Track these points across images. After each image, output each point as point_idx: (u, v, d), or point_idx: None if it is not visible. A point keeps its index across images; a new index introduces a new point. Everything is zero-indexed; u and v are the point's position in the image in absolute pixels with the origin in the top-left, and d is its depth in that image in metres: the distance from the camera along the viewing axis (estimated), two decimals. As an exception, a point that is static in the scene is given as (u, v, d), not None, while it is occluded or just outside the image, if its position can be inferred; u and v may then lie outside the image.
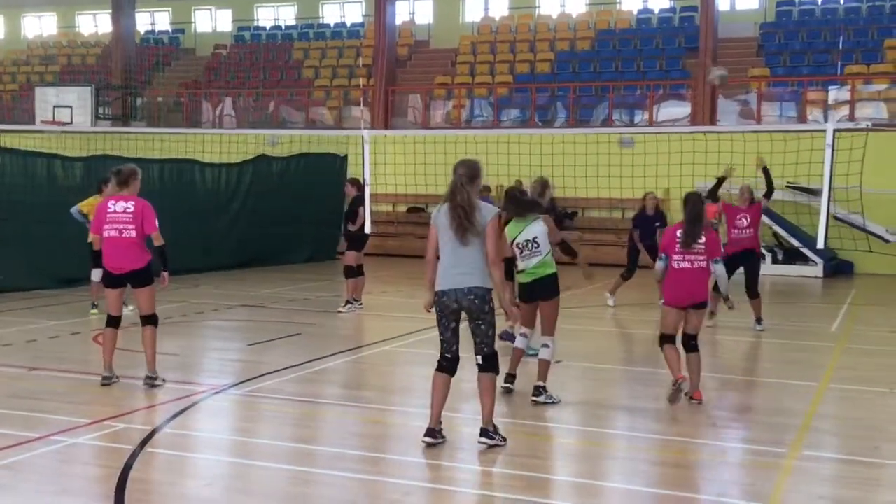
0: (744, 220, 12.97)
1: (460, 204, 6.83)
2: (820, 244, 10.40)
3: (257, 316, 14.01)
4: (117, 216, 8.88)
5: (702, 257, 8.61)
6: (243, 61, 32.40)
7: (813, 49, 25.51)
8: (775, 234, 22.25)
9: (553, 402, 8.49)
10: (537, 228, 8.60)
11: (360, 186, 14.68)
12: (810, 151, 18.91)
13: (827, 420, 8.14)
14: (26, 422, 7.67)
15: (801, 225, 21.61)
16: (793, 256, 22.04)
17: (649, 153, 20.87)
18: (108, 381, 8.93)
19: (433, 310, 7.04)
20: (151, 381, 8.95)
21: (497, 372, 7.03)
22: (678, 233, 8.66)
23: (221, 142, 23.48)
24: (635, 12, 29.38)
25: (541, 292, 8.65)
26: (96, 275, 12.73)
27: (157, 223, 9.00)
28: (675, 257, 8.66)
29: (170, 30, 36.81)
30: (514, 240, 8.59)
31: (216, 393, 8.84)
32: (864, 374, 10.21)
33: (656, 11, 29.19)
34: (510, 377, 8.86)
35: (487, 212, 6.89)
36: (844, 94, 23.64)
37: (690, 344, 8.72)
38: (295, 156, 23.07)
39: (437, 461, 6.82)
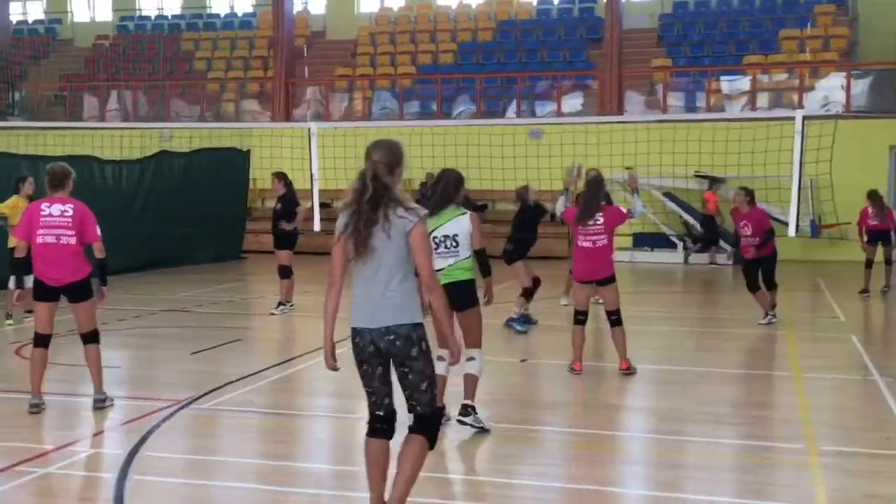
0: (746, 228, 12.49)
1: (371, 202, 4.94)
2: (791, 232, 10.39)
3: (186, 321, 13.22)
4: (54, 220, 7.85)
5: (602, 236, 9.28)
6: (128, 53, 30.96)
7: (711, 40, 25.92)
8: (685, 223, 22.53)
9: (482, 429, 7.26)
10: (461, 226, 7.32)
11: (286, 182, 14.03)
12: (725, 143, 19.30)
13: (823, 412, 8.02)
14: (-21, 451, 6.87)
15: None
16: (702, 244, 22.34)
17: (564, 144, 20.77)
18: (36, 409, 7.89)
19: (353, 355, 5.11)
20: (101, 404, 8.08)
21: (433, 441, 5.15)
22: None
23: (111, 137, 22.28)
24: (535, 3, 29.32)
25: (455, 300, 7.09)
26: (13, 282, 11.75)
27: (99, 231, 8.09)
28: (579, 237, 9.38)
29: (45, 19, 34.91)
30: (431, 232, 7.15)
31: (180, 408, 8.15)
32: (829, 363, 10.22)
33: (556, 2, 29.18)
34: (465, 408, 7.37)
35: (412, 214, 4.97)
36: (741, 84, 24.14)
37: (612, 319, 9.46)
38: (197, 151, 22.08)
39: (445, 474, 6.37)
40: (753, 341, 11.84)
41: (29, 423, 7.75)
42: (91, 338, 8.13)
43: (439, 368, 6.85)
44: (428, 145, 21.54)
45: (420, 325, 5.04)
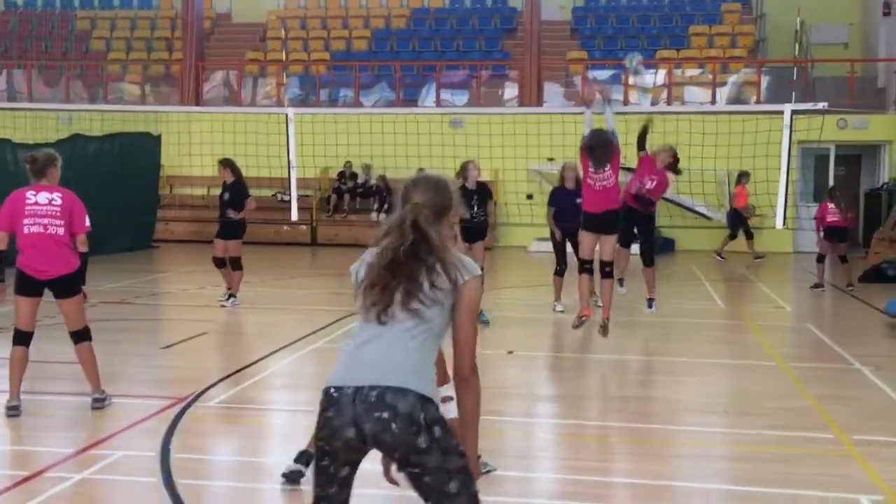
0: (651, 181, 11.63)
1: (412, 259, 3.58)
2: (779, 224, 10.61)
3: (135, 314, 12.65)
4: (41, 209, 7.34)
5: (610, 179, 10.00)
6: (18, 30, 29.44)
7: (624, 34, 26.34)
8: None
9: (489, 471, 5.97)
10: None
11: (234, 169, 13.56)
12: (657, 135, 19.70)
13: (831, 402, 8.17)
14: (-6, 457, 6.39)
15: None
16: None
17: (481, 135, 20.71)
18: (14, 412, 7.37)
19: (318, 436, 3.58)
20: (100, 403, 7.63)
21: None
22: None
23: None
24: (447, -9, 29.18)
25: None
26: None
27: (88, 223, 7.57)
28: (588, 180, 10.12)
29: (-78, -7, 32.86)
30: None
31: (186, 406, 7.75)
32: (805, 352, 10.54)
33: (468, -9, 29.13)
34: None
35: (464, 271, 3.63)
36: (650, 78, 24.65)
37: (605, 270, 10.20)
38: (110, 136, 21.18)
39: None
40: (716, 331, 12.06)
41: (30, 425, 7.27)
42: (82, 335, 7.67)
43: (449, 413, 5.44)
44: (343, 133, 21.29)
45: (431, 403, 3.46)
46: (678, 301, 14.01)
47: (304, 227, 23.82)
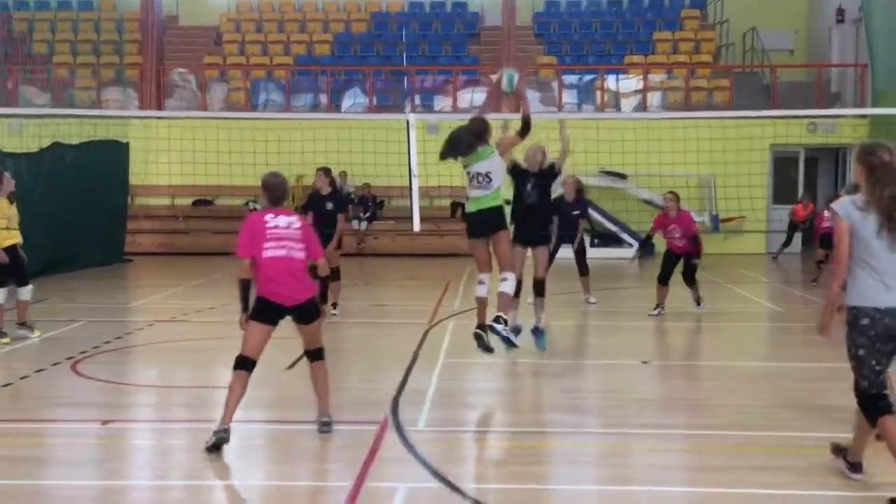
0: (675, 230, 13.01)
1: None
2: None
3: (205, 333, 12.00)
4: (282, 232, 7.01)
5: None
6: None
7: (591, 39, 26.49)
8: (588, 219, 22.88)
9: (509, 340, 8.85)
10: (493, 163, 8.54)
11: (333, 178, 13.19)
12: (622, 142, 19.97)
13: None
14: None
15: (616, 211, 22.66)
16: (606, 239, 22.87)
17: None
18: (225, 436, 6.79)
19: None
20: (328, 427, 7.21)
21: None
22: None
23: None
24: (405, -5, 28.80)
25: (490, 224, 8.58)
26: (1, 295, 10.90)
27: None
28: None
29: None
30: (466, 168, 8.60)
31: (397, 430, 7.30)
32: None
33: (427, -4, 28.83)
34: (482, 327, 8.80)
35: None
36: (627, 84, 24.91)
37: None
38: (86, 143, 20.06)
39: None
40: (797, 335, 12.14)
41: (249, 456, 6.78)
42: (319, 354, 7.33)
43: (480, 291, 8.83)
44: (309, 140, 20.65)
45: None
46: (723, 304, 14.14)
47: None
